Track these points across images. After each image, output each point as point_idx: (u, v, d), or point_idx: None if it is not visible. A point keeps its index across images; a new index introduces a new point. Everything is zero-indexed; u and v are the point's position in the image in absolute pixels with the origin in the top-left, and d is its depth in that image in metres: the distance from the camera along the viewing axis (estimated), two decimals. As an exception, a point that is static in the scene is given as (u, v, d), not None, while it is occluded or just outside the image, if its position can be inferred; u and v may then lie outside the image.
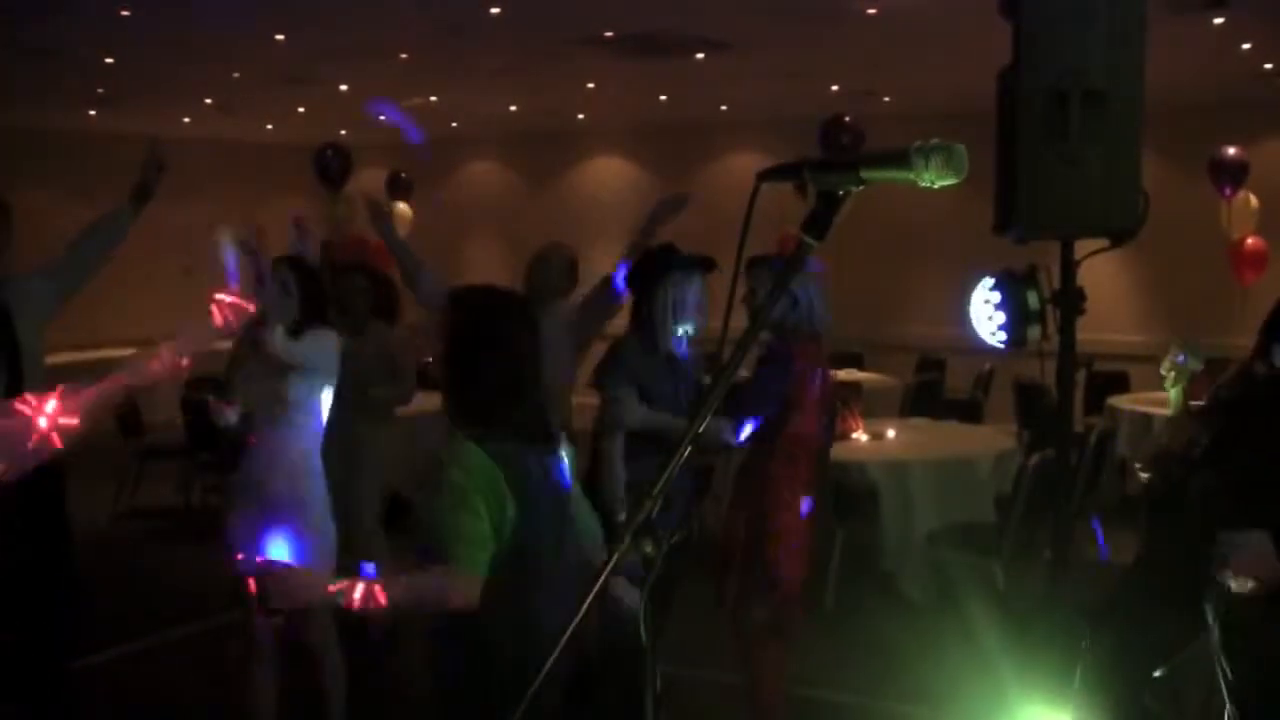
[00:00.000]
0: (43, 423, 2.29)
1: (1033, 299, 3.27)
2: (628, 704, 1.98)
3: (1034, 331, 3.27)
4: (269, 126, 13.14)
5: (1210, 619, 3.14)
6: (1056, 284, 3.22)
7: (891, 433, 7.04)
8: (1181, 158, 9.62)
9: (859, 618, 5.84)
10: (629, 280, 4.33)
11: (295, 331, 4.05)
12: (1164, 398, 3.82)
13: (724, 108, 11.80)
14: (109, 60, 8.72)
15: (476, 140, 14.52)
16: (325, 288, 5.81)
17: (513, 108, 11.81)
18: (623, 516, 1.63)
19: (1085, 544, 6.69)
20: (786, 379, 4.05)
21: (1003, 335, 3.32)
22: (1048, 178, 3.04)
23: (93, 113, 11.49)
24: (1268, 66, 8.79)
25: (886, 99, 10.73)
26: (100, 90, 10.22)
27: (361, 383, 5.38)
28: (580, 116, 12.72)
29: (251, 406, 4.09)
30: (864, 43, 8.19)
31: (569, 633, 1.65)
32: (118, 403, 2.48)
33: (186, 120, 12.35)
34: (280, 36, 7.91)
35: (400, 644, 5.46)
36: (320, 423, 4.14)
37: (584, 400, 4.73)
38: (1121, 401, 8.37)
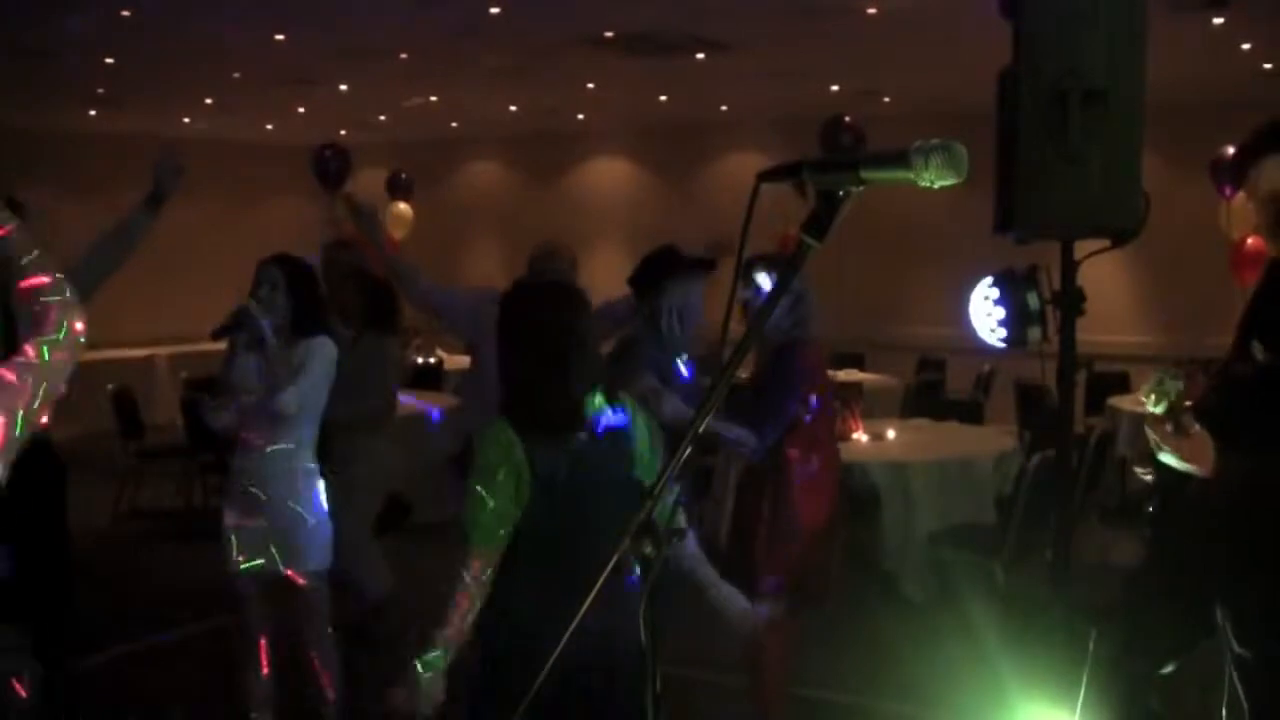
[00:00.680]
0: None
1: (1033, 299, 3.26)
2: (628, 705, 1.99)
3: (1034, 332, 3.27)
4: (269, 126, 13.14)
5: (1220, 619, 3.14)
6: (1057, 284, 3.22)
7: (892, 433, 7.04)
8: (1181, 158, 9.61)
9: (860, 618, 5.83)
10: (633, 283, 4.31)
11: (294, 331, 4.04)
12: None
13: (724, 108, 11.81)
14: (109, 60, 8.72)
15: (476, 140, 14.52)
16: (326, 291, 5.80)
17: (513, 108, 11.81)
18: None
19: (1086, 544, 6.69)
20: (801, 383, 4.03)
21: (1003, 335, 3.32)
22: (1048, 178, 3.04)
23: (93, 113, 11.49)
24: (1268, 66, 8.79)
25: (887, 99, 10.73)
26: (100, 90, 10.22)
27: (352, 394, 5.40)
28: (580, 116, 12.72)
29: (248, 407, 4.08)
30: (864, 43, 8.19)
31: (569, 632, 1.65)
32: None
33: (186, 120, 12.35)
34: (280, 36, 7.91)
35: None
36: (314, 425, 4.13)
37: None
38: (1122, 402, 8.36)
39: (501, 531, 2.74)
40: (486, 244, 14.50)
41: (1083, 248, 3.19)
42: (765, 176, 1.68)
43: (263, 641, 4.20)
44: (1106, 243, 3.14)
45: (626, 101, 11.41)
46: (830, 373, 8.75)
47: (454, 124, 13.31)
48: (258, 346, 4.00)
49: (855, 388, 7.51)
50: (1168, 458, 3.01)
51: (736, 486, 4.33)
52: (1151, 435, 3.03)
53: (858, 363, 10.30)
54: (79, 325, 2.13)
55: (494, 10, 7.10)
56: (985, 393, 9.36)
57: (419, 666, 2.63)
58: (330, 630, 4.25)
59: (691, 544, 3.01)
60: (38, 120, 11.72)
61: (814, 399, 4.08)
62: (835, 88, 10.17)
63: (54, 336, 2.06)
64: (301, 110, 11.77)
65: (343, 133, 13.22)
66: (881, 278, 11.80)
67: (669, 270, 4.11)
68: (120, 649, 5.61)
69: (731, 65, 9.08)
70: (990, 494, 6.42)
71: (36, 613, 4.07)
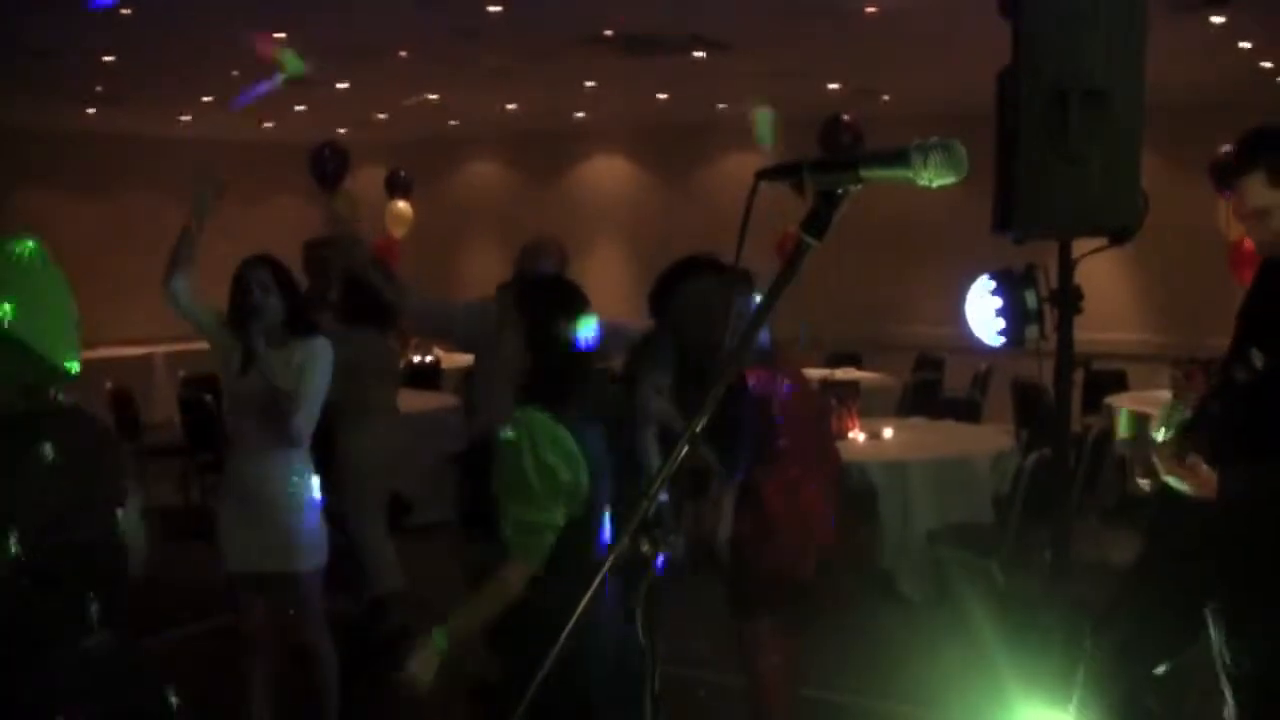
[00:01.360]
0: None
1: (1031, 298, 3.27)
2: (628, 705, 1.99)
3: (1032, 331, 3.27)
4: (267, 125, 13.13)
5: (1211, 618, 3.14)
6: (1054, 283, 3.22)
7: (889, 432, 7.04)
8: (1180, 157, 9.61)
9: (858, 617, 5.84)
10: (651, 300, 4.28)
11: (289, 330, 4.04)
12: (1161, 398, 3.81)
13: (723, 107, 11.80)
14: (107, 59, 8.72)
15: (476, 139, 14.52)
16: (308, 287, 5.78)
17: (512, 107, 11.81)
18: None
19: (1084, 544, 6.68)
20: (752, 407, 3.92)
21: (1001, 334, 3.32)
22: (1047, 177, 3.04)
23: (91, 111, 11.48)
24: (1267, 65, 8.79)
25: (886, 98, 10.73)
26: (99, 89, 10.21)
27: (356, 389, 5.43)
28: (579, 116, 12.71)
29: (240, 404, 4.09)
30: (863, 42, 8.19)
31: (571, 623, 1.66)
32: None
33: (185, 119, 12.34)
34: (280, 35, 7.91)
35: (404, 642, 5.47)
36: (311, 425, 4.13)
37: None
38: (1120, 401, 8.35)
39: (541, 544, 2.71)
40: (485, 243, 14.49)
41: (1080, 246, 3.19)
42: (764, 175, 1.68)
43: (259, 639, 4.21)
44: (1104, 242, 3.14)
45: (626, 101, 11.41)
46: (827, 371, 8.81)
47: (453, 123, 13.31)
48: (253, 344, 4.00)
49: (853, 386, 7.50)
50: (1174, 483, 3.02)
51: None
52: (1158, 464, 3.04)
53: (855, 361, 10.30)
54: None
55: (493, 9, 7.10)
56: (983, 392, 9.36)
57: (436, 638, 2.62)
58: (325, 625, 4.26)
59: None
60: (36, 119, 11.71)
61: (778, 416, 4.00)
62: (834, 87, 10.17)
63: None
64: (300, 109, 11.76)
65: (342, 131, 13.21)
66: (879, 277, 11.80)
67: (680, 275, 4.10)
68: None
69: (730, 64, 9.07)
70: (988, 493, 6.43)
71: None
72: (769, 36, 8.03)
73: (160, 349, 12.40)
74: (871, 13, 7.14)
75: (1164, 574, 3.47)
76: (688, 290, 4.00)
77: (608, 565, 1.65)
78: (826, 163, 1.64)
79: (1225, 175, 3.21)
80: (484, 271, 13.45)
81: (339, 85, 10.19)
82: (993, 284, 3.34)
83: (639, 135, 13.47)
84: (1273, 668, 3.01)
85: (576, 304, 2.91)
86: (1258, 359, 2.97)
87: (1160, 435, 3.04)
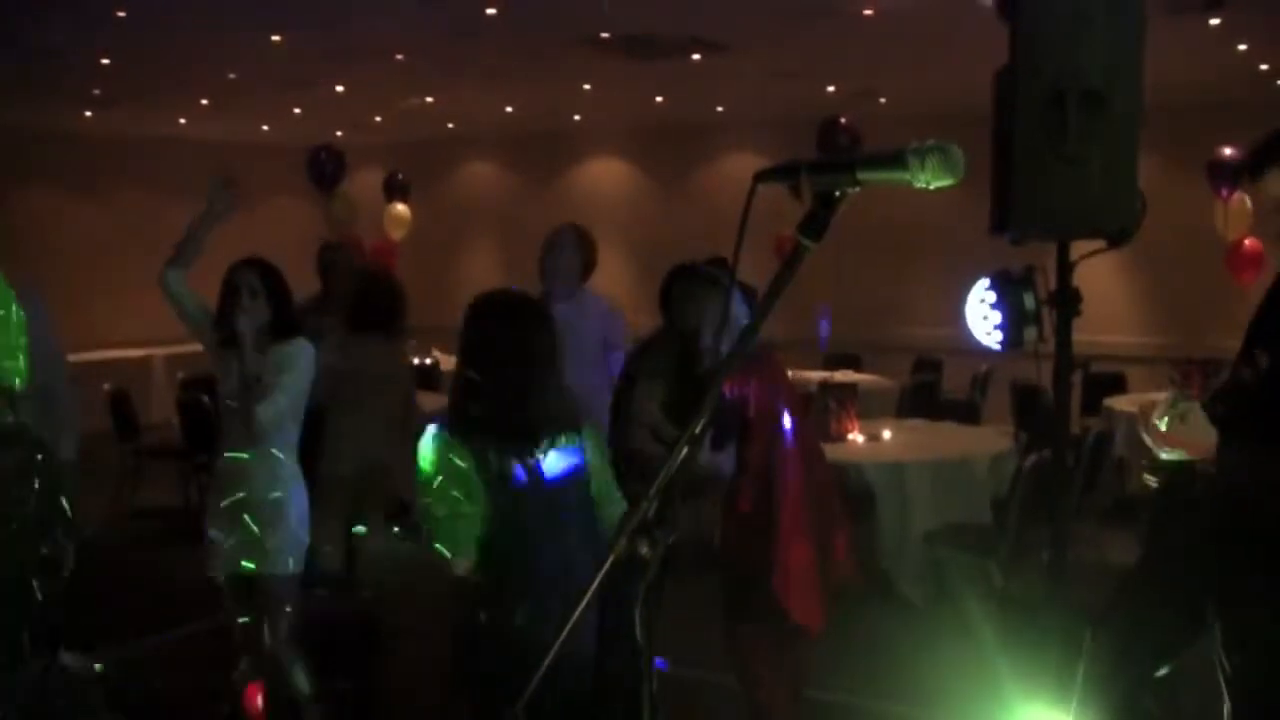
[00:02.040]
0: None
1: (1029, 300, 3.27)
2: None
3: (1030, 333, 3.27)
4: (264, 127, 13.13)
5: (1211, 619, 3.14)
6: (1053, 285, 3.22)
7: (888, 434, 7.04)
8: (1178, 159, 9.62)
9: (856, 618, 5.83)
10: (662, 301, 4.28)
11: (273, 333, 4.05)
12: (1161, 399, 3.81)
13: (720, 109, 11.81)
14: (105, 61, 8.71)
15: (473, 141, 14.52)
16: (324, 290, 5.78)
17: (509, 108, 11.80)
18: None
19: (1083, 545, 6.69)
20: (730, 408, 3.87)
21: (999, 336, 3.32)
22: (1045, 178, 3.04)
23: (88, 113, 11.48)
24: (1264, 67, 8.80)
25: (883, 100, 10.74)
26: (96, 91, 10.21)
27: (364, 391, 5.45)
28: (576, 117, 12.72)
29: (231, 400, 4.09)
30: (860, 44, 8.19)
31: (563, 635, 1.66)
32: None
33: (182, 121, 12.34)
34: (276, 38, 7.90)
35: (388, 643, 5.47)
36: (296, 428, 4.13)
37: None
38: (1118, 403, 8.36)
39: (467, 533, 2.82)
40: (484, 244, 14.50)
41: (1079, 248, 3.19)
42: (762, 177, 1.68)
43: (247, 641, 4.22)
44: (1103, 244, 3.14)
45: (623, 102, 11.41)
46: (826, 373, 8.80)
47: (450, 125, 13.31)
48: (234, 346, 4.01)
49: (851, 388, 7.51)
50: (1168, 454, 3.03)
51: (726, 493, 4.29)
52: (1147, 439, 3.05)
53: (854, 363, 10.31)
54: None
55: (490, 11, 7.10)
56: (982, 393, 9.37)
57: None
58: (293, 626, 4.24)
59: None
60: (32, 120, 11.71)
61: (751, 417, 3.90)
62: (831, 89, 10.17)
63: None
64: (297, 111, 11.76)
65: (339, 134, 13.21)
66: (878, 278, 11.80)
67: (672, 279, 4.11)
68: (118, 649, 5.61)
69: (728, 66, 9.08)
70: (986, 494, 6.42)
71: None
72: (766, 38, 8.04)
73: (159, 351, 12.38)
74: (869, 14, 7.14)
75: (1163, 574, 3.47)
76: (676, 290, 4.03)
77: (607, 565, 1.64)
78: (824, 165, 1.64)
79: (1241, 172, 3.22)
80: (482, 273, 13.46)
81: (337, 88, 10.19)
82: (991, 286, 3.34)
83: (637, 137, 13.47)
84: (1272, 668, 3.01)
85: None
86: (1262, 358, 2.98)
87: (1163, 425, 3.05)
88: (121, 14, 7.05)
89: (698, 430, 1.63)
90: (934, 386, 9.61)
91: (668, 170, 13.33)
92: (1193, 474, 3.40)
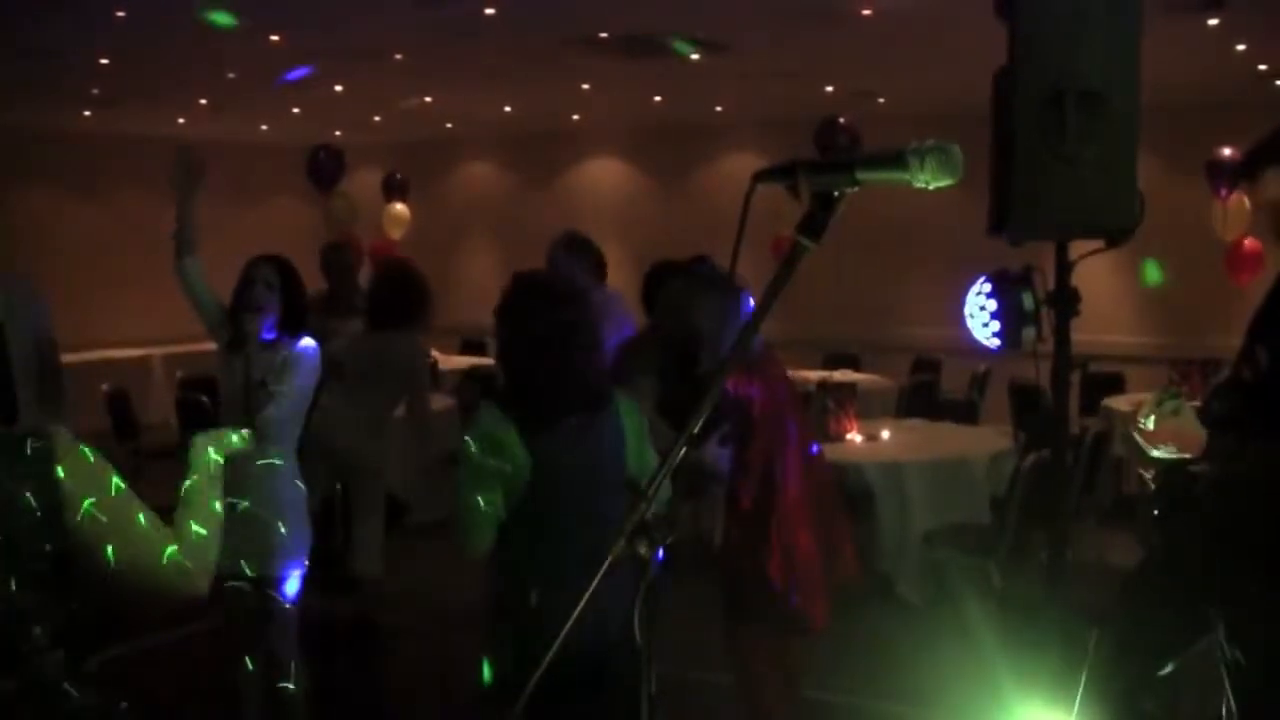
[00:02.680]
0: None
1: (1028, 300, 3.27)
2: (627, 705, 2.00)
3: (1029, 333, 3.27)
4: (263, 127, 13.13)
5: (1213, 619, 3.14)
6: (1051, 285, 3.22)
7: (887, 433, 7.04)
8: (1177, 159, 9.63)
9: (855, 618, 5.83)
10: (644, 300, 4.30)
11: (281, 329, 4.06)
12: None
13: (719, 109, 11.81)
14: (105, 61, 8.71)
15: (472, 141, 14.52)
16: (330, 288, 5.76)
17: (508, 108, 11.80)
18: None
19: (1082, 545, 6.69)
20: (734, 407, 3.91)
21: (998, 336, 3.32)
22: (1044, 179, 3.04)
23: (87, 113, 11.48)
24: (1263, 68, 8.80)
25: (882, 100, 10.74)
26: (95, 91, 10.20)
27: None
28: (575, 117, 12.72)
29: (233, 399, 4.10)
30: (859, 44, 8.19)
31: (573, 619, 1.66)
32: None
33: (181, 121, 12.34)
34: (275, 37, 7.90)
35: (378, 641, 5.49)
36: (297, 430, 4.13)
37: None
38: (1117, 403, 8.36)
39: (486, 537, 2.88)
40: (482, 244, 14.49)
41: (1077, 248, 3.20)
42: (761, 177, 1.68)
43: (244, 641, 4.22)
44: (1101, 243, 3.14)
45: (621, 102, 11.41)
46: (825, 373, 8.81)
47: (449, 125, 13.30)
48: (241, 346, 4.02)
49: (850, 388, 7.51)
50: (1159, 453, 3.03)
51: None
52: (1138, 438, 3.05)
53: (853, 363, 10.31)
54: None
55: (489, 11, 7.10)
56: (980, 393, 9.37)
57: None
58: (293, 626, 4.25)
59: None
60: (33, 120, 11.71)
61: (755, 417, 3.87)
62: (830, 89, 10.17)
63: None
64: (296, 111, 11.76)
65: (338, 133, 13.21)
66: (877, 278, 11.80)
67: (656, 279, 4.12)
68: (118, 649, 5.61)
69: (726, 66, 9.08)
70: (985, 494, 6.43)
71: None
72: (764, 38, 8.04)
73: (158, 351, 12.39)
74: (868, 15, 7.14)
75: (1164, 574, 3.47)
76: (666, 290, 4.04)
77: (606, 565, 1.65)
78: (822, 165, 1.64)
79: (1240, 170, 3.21)
80: (481, 273, 13.46)
81: (336, 88, 10.18)
82: (990, 286, 3.34)
83: (635, 137, 13.48)
84: (1272, 668, 3.01)
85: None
86: (1263, 356, 2.99)
87: (1150, 424, 3.05)
88: (121, 14, 7.05)
89: (697, 430, 1.63)
90: (933, 386, 9.61)
91: (667, 170, 13.33)
92: (1191, 473, 3.40)
